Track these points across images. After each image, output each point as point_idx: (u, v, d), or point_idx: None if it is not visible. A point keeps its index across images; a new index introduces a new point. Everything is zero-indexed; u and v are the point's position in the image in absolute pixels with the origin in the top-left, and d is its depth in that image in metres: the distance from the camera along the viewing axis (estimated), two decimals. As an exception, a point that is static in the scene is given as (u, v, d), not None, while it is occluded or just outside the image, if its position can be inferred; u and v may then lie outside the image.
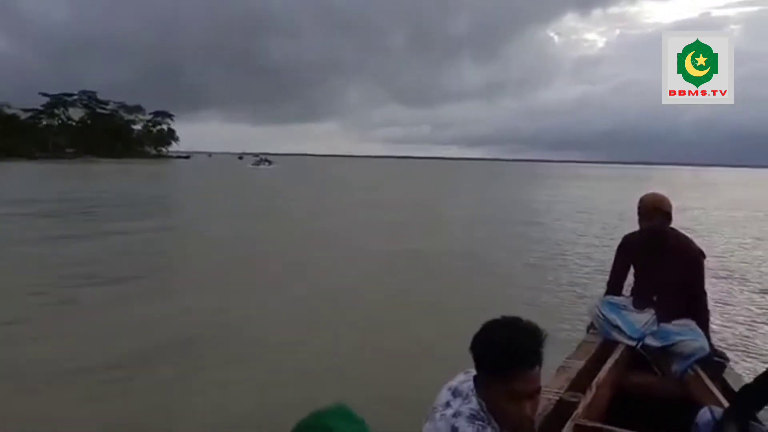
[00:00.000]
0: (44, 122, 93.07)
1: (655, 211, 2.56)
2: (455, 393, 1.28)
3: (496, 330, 1.21)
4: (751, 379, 1.89)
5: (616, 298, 2.80)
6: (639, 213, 2.62)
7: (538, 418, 1.91)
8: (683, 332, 2.49)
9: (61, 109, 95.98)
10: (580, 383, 2.30)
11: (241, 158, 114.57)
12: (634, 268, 2.81)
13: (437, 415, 1.25)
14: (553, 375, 2.37)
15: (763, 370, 1.82)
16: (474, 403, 1.22)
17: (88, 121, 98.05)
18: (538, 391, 1.19)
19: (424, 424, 1.29)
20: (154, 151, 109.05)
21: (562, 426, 1.93)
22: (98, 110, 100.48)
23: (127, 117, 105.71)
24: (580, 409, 2.03)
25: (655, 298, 2.68)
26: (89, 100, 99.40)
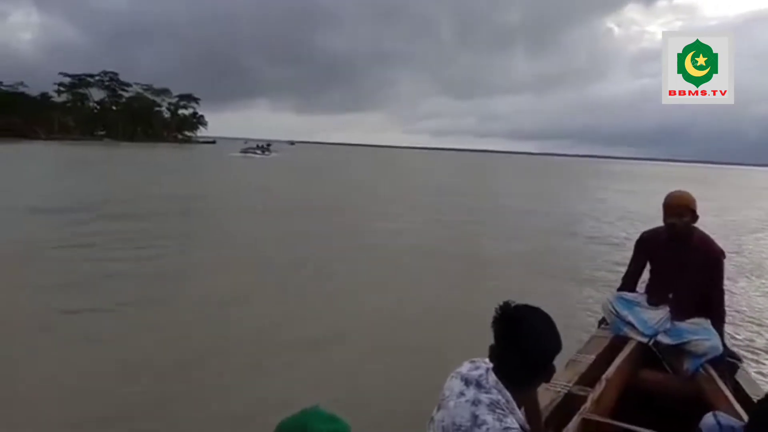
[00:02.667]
0: (53, 101, 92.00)
1: (682, 208, 2.51)
2: (467, 381, 1.27)
3: (552, 329, 1.25)
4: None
5: (629, 294, 2.78)
6: (665, 210, 2.57)
7: (545, 410, 1.94)
8: (697, 331, 2.47)
9: (84, 89, 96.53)
10: (589, 378, 2.30)
11: (269, 145, 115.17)
12: (652, 264, 2.77)
13: (451, 403, 1.24)
14: (562, 369, 2.38)
15: None
16: (494, 393, 1.21)
17: (109, 104, 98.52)
18: None
19: (435, 413, 1.29)
20: (180, 136, 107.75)
21: (569, 420, 1.92)
22: (119, 92, 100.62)
23: (153, 99, 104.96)
24: (588, 403, 2.03)
25: (670, 296, 2.65)
26: (111, 81, 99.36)
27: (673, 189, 2.64)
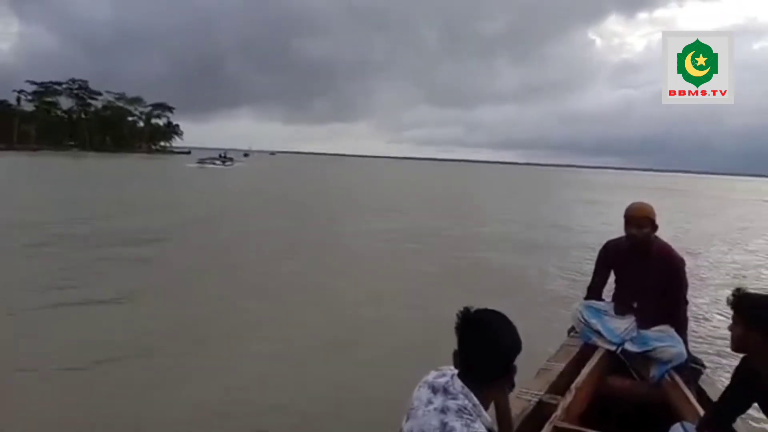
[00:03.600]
0: (14, 109, 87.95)
1: (642, 219, 2.60)
2: (434, 389, 1.28)
3: (511, 328, 1.28)
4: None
5: (597, 303, 2.84)
6: (626, 221, 2.65)
7: (517, 419, 1.95)
8: (662, 338, 2.54)
9: (52, 98, 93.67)
10: (559, 386, 2.34)
11: (246, 155, 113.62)
12: (616, 274, 2.84)
13: (420, 412, 1.25)
14: (533, 377, 2.41)
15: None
16: (461, 399, 1.23)
17: (78, 112, 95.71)
18: None
19: (404, 424, 1.29)
20: (154, 146, 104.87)
21: (541, 427, 1.95)
22: (89, 100, 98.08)
23: (126, 108, 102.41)
24: (558, 411, 2.06)
25: (635, 305, 2.73)
26: (80, 89, 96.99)
27: (643, 199, 2.70)
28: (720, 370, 3.98)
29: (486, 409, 1.27)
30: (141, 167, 46.14)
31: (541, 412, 2.11)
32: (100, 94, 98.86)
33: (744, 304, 1.63)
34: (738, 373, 1.76)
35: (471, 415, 1.21)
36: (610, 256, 2.83)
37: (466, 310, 1.29)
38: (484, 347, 1.26)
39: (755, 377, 1.63)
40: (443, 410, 1.21)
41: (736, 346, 1.67)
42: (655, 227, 2.61)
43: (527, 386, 2.27)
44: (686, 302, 2.69)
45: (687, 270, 2.68)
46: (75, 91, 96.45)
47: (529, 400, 2.16)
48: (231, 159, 56.83)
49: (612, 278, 2.89)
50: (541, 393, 2.23)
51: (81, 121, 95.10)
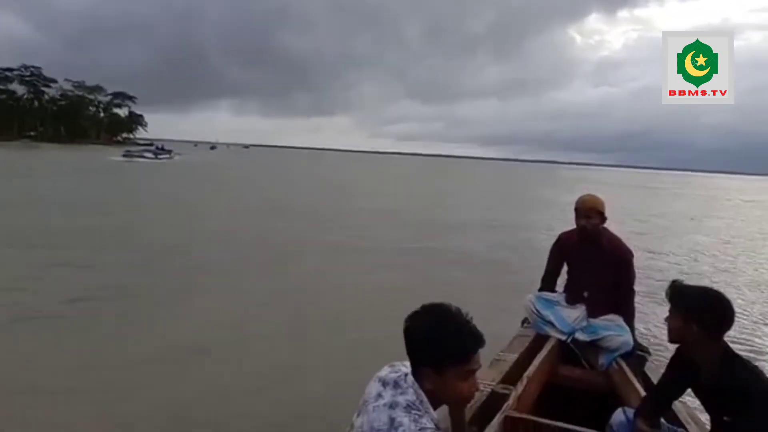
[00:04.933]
0: None
1: (591, 211, 2.68)
2: (384, 383, 1.28)
3: (449, 318, 1.25)
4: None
5: (549, 294, 2.91)
6: (576, 212, 2.73)
7: (470, 409, 1.96)
8: (610, 327, 2.62)
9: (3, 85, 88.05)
10: (512, 376, 2.37)
11: (213, 148, 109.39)
12: (568, 265, 2.92)
13: (370, 407, 1.25)
14: (486, 368, 2.43)
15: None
16: (410, 394, 1.23)
17: (28, 101, 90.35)
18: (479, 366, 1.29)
19: (356, 419, 1.28)
20: (118, 138, 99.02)
21: (493, 417, 1.97)
22: (42, 87, 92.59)
23: (85, 96, 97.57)
24: (510, 401, 2.09)
25: (585, 295, 2.80)
26: (32, 76, 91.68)
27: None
28: (664, 357, 4.15)
29: (434, 405, 1.26)
30: (49, 160, 38.66)
31: (493, 402, 2.13)
32: (54, 81, 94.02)
33: (680, 296, 1.67)
34: (674, 361, 1.82)
35: (419, 410, 1.21)
36: (562, 248, 2.90)
37: (418, 309, 1.29)
38: (413, 348, 1.26)
39: (690, 365, 1.69)
40: (392, 405, 1.22)
41: (672, 337, 1.71)
42: (603, 219, 2.69)
43: (480, 377, 2.27)
44: (634, 292, 2.78)
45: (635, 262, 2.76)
46: (27, 78, 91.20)
47: (482, 391, 2.17)
48: (168, 151, 51.25)
49: (565, 269, 2.96)
50: (494, 383, 2.25)
51: (32, 110, 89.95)
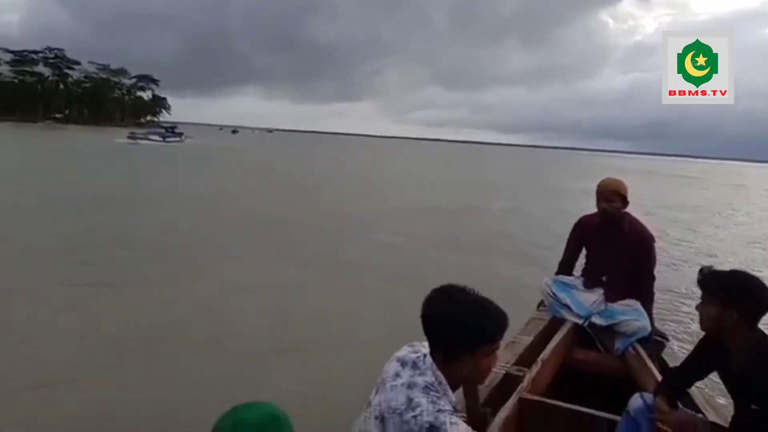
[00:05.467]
0: None
1: (613, 194, 2.64)
2: (403, 363, 1.29)
3: (480, 301, 1.26)
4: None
5: (566, 278, 2.89)
6: (597, 196, 2.69)
7: (484, 391, 1.99)
8: (628, 312, 2.59)
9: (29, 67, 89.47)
10: (527, 358, 2.37)
11: (235, 132, 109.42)
12: (588, 249, 2.88)
13: (388, 386, 1.25)
14: (501, 350, 2.44)
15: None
16: (429, 376, 1.23)
17: (53, 83, 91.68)
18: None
19: (373, 397, 1.29)
20: (143, 120, 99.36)
21: (507, 399, 1.98)
22: (66, 70, 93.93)
23: (112, 79, 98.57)
24: (525, 383, 2.10)
25: (604, 279, 2.77)
26: (56, 58, 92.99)
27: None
28: (684, 343, 4.08)
29: (453, 387, 1.26)
30: (48, 141, 37.24)
31: (508, 384, 2.14)
32: (78, 63, 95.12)
33: (715, 282, 1.61)
34: (703, 344, 1.77)
35: (438, 392, 1.21)
36: (582, 231, 2.87)
37: (430, 293, 1.28)
38: (444, 328, 1.25)
39: (720, 350, 1.64)
40: (410, 386, 1.22)
41: (707, 326, 1.64)
42: (626, 203, 2.65)
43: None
44: (653, 278, 2.75)
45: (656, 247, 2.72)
46: (51, 60, 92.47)
47: (497, 372, 2.19)
48: (179, 134, 48.07)
49: (584, 253, 2.93)
50: (509, 365, 2.26)
51: (57, 92, 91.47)
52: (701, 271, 1.65)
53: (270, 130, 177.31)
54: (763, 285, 1.55)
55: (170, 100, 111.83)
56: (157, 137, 44.33)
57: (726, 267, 1.69)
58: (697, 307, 1.65)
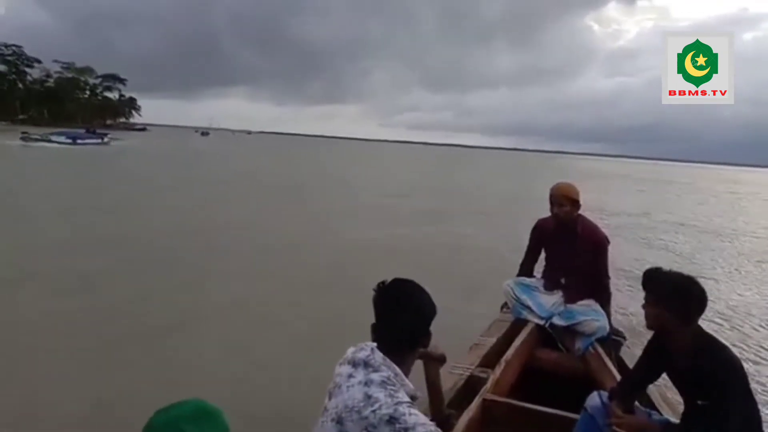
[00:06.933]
0: None
1: (564, 199, 2.71)
2: (354, 364, 1.28)
3: (424, 293, 1.33)
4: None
5: (528, 280, 2.95)
6: (550, 200, 2.76)
7: (449, 392, 2.00)
8: (587, 312, 2.67)
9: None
10: (490, 359, 2.41)
11: (205, 134, 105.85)
12: (546, 251, 2.96)
13: (344, 387, 1.25)
14: (466, 352, 2.47)
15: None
16: (384, 371, 1.24)
17: (10, 82, 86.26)
18: None
19: (328, 402, 1.28)
20: (110, 122, 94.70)
21: (472, 400, 2.01)
22: (22, 68, 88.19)
23: (77, 78, 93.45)
24: (488, 384, 2.13)
25: (563, 281, 2.85)
26: (13, 55, 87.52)
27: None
28: (639, 341, 4.17)
29: (407, 375, 1.30)
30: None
31: (472, 385, 2.17)
32: (38, 61, 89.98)
33: (653, 283, 1.68)
34: (649, 346, 1.84)
35: (394, 385, 1.22)
36: (538, 234, 2.94)
37: (382, 282, 1.32)
38: (404, 317, 1.29)
39: (664, 351, 1.72)
40: (366, 383, 1.22)
41: (649, 324, 1.72)
42: (577, 206, 2.73)
43: (459, 361, 2.33)
44: (609, 278, 2.83)
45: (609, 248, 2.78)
46: (8, 57, 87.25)
47: (461, 374, 2.22)
48: (101, 135, 40.91)
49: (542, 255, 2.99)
50: (473, 367, 2.29)
51: (15, 91, 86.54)
52: (645, 272, 1.72)
53: (249, 132, 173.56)
54: (696, 286, 1.61)
55: (151, 102, 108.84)
56: (63, 138, 36.81)
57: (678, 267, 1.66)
58: (642, 307, 1.73)
